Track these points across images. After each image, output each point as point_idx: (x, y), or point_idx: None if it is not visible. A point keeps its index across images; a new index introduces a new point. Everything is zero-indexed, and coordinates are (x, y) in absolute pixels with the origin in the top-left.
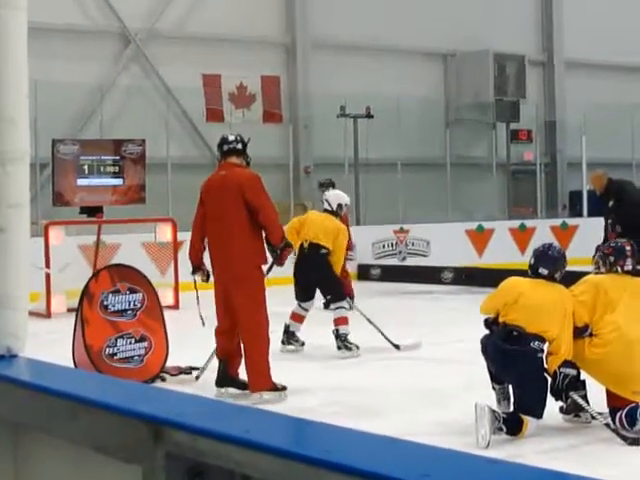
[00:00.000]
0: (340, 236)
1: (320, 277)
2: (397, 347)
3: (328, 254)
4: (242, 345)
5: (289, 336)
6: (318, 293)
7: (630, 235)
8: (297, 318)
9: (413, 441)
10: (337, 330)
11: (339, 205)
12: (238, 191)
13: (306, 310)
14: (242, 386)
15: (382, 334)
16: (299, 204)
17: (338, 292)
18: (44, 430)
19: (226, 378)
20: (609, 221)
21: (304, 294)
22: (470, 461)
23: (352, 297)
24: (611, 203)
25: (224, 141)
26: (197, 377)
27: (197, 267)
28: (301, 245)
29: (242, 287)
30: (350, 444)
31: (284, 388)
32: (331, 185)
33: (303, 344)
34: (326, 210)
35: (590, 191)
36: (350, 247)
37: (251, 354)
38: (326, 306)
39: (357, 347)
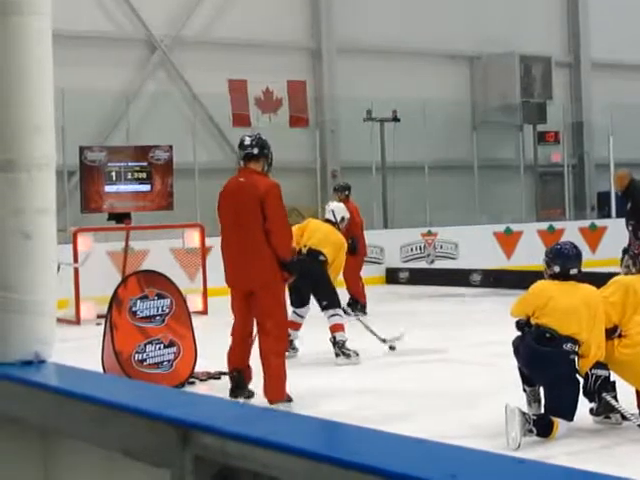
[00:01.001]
0: (342, 251)
1: (315, 283)
2: (384, 341)
3: (326, 262)
4: (262, 352)
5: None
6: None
7: None
8: (293, 325)
9: (440, 442)
10: (334, 337)
11: (342, 218)
12: (256, 199)
13: (301, 317)
14: (250, 395)
15: (374, 333)
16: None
17: (333, 299)
18: (73, 435)
19: (241, 388)
20: (629, 228)
21: (299, 300)
22: (498, 461)
23: (364, 304)
24: (629, 205)
25: (241, 144)
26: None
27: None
28: (299, 251)
29: (270, 291)
30: (377, 445)
31: (291, 400)
32: (347, 189)
33: (297, 350)
34: (328, 220)
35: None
36: (365, 253)
37: (275, 362)
38: (349, 308)
39: (356, 354)
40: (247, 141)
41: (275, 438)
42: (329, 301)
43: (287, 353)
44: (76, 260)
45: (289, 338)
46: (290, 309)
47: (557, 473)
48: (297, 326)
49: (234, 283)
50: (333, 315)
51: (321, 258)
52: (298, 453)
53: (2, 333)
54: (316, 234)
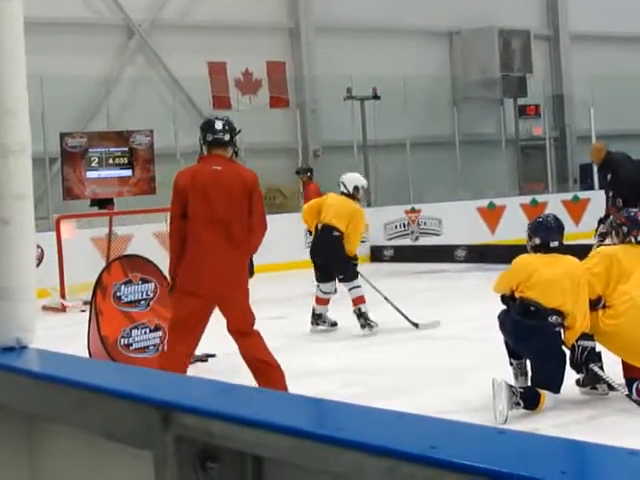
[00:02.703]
0: (355, 218)
1: (332, 258)
2: (416, 325)
3: (340, 237)
4: (257, 354)
5: (316, 318)
6: None
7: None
8: (321, 301)
9: (421, 414)
10: (359, 309)
11: (355, 187)
12: (244, 191)
13: (327, 293)
14: None
15: (401, 313)
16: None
17: (350, 272)
18: (56, 420)
19: None
20: (609, 194)
21: (323, 276)
22: (478, 432)
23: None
24: (609, 177)
25: (209, 128)
26: None
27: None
28: (316, 227)
29: (240, 295)
30: (359, 421)
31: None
32: (309, 171)
33: (334, 324)
34: (342, 193)
35: None
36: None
37: (272, 357)
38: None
39: (376, 325)
40: (218, 125)
41: (258, 416)
42: (345, 275)
43: (321, 327)
44: (60, 248)
45: (317, 313)
46: (314, 285)
47: (539, 443)
48: (324, 302)
49: (207, 289)
50: (352, 288)
51: (335, 234)
52: (281, 430)
53: None
54: (331, 209)
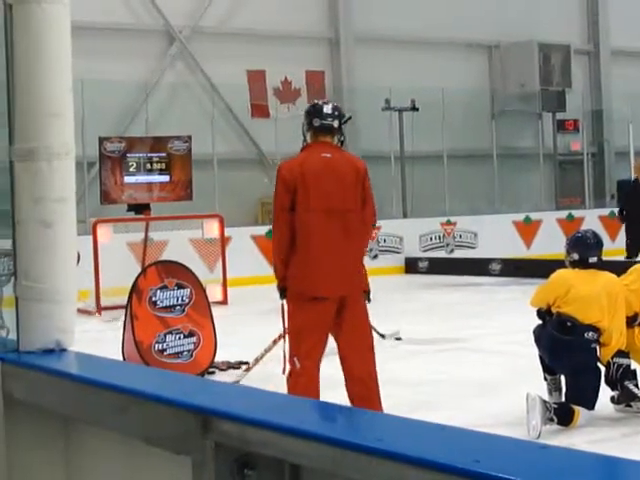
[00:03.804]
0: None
1: None
2: (382, 336)
3: None
4: (370, 375)
5: None
6: None
7: None
8: None
9: (462, 428)
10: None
11: None
12: (358, 179)
13: None
14: None
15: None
16: None
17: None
18: (94, 422)
19: None
20: None
21: None
22: (520, 446)
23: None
24: None
25: (316, 113)
26: (248, 369)
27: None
28: None
29: (361, 297)
30: (400, 432)
31: None
32: None
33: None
34: None
35: None
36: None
37: (375, 381)
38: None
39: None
40: (327, 109)
41: (296, 425)
42: None
43: None
44: (96, 252)
45: None
46: None
47: (580, 458)
48: None
49: (331, 289)
50: None
51: None
52: (319, 439)
53: (23, 322)
54: None
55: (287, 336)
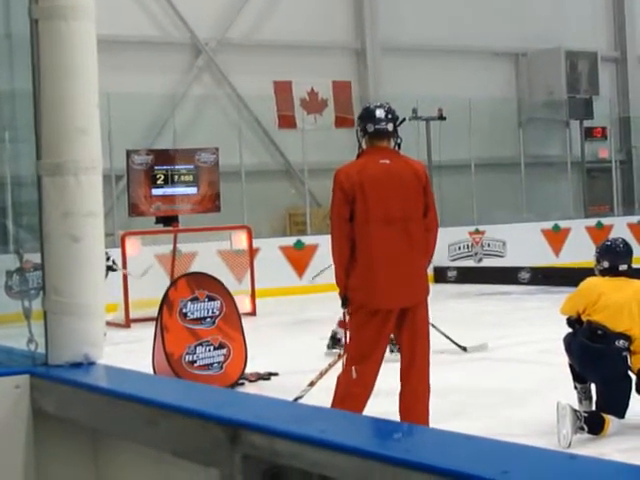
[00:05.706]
0: None
1: None
2: (464, 349)
3: None
4: (422, 393)
5: (335, 342)
6: None
7: None
8: (343, 324)
9: (490, 438)
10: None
11: None
12: (419, 185)
13: None
14: None
15: (447, 337)
16: None
17: None
18: (123, 436)
19: None
20: None
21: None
22: (550, 457)
23: None
24: None
25: (370, 118)
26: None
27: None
28: None
29: (425, 307)
30: (428, 443)
31: None
32: None
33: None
34: None
35: None
36: None
37: (427, 397)
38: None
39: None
40: (380, 113)
41: (325, 436)
42: None
43: (337, 350)
44: (124, 265)
45: (337, 337)
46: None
47: (610, 469)
48: (347, 325)
49: (393, 301)
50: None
51: None
52: (348, 451)
53: (52, 336)
54: None
55: (346, 343)
